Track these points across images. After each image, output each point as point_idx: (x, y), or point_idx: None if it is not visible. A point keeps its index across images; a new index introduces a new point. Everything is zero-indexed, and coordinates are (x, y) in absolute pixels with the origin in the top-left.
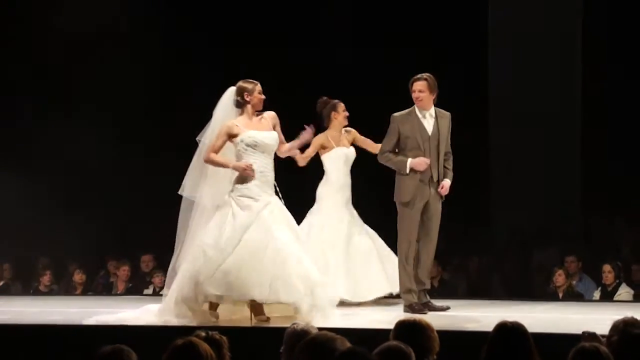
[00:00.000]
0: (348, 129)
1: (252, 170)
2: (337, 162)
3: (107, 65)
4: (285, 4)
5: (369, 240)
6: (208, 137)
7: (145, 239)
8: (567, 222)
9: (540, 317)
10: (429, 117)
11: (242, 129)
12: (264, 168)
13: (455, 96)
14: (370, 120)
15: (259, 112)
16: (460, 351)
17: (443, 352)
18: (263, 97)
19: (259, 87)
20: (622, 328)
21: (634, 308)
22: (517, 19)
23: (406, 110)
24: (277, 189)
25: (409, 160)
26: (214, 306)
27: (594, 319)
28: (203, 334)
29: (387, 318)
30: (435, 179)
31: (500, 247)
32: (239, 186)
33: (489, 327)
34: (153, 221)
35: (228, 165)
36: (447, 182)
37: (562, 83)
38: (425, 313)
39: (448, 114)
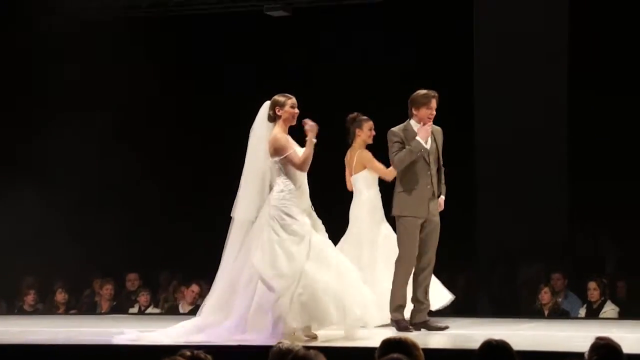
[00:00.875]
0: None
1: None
2: (368, 180)
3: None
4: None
5: None
6: (252, 154)
7: (131, 257)
8: (553, 239)
9: (525, 335)
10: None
11: (287, 145)
12: (302, 183)
13: (441, 114)
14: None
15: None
16: None
17: None
18: (297, 111)
19: (292, 100)
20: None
21: (619, 325)
22: (502, 38)
23: (402, 125)
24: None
25: (417, 138)
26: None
27: (579, 336)
28: (188, 353)
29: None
30: (435, 195)
31: (486, 265)
32: (278, 204)
33: (475, 344)
34: (140, 240)
35: (311, 143)
36: (442, 199)
37: (548, 100)
38: (410, 331)
39: (439, 128)
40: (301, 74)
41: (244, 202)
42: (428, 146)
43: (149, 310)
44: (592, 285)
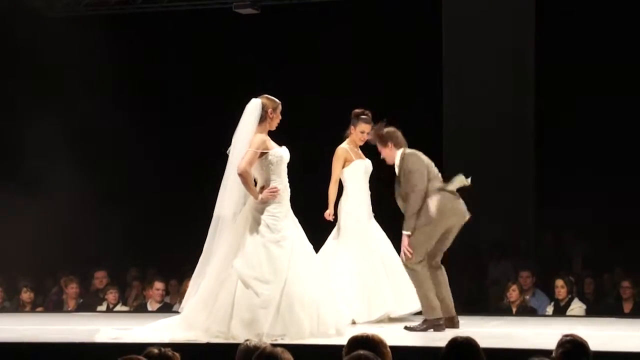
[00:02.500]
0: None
1: (278, 191)
2: (356, 176)
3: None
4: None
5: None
6: (238, 149)
7: (99, 255)
8: (521, 237)
9: (492, 332)
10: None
11: (272, 145)
12: (286, 185)
13: (410, 113)
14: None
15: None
16: None
17: None
18: (280, 117)
19: (280, 107)
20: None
21: (586, 323)
22: (470, 41)
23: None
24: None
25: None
26: None
27: (546, 333)
28: (156, 350)
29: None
30: None
31: (455, 263)
32: (263, 205)
33: (442, 342)
34: (108, 237)
35: (255, 192)
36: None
37: (515, 102)
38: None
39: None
40: (270, 72)
41: (226, 200)
42: None
43: (117, 308)
44: (559, 283)
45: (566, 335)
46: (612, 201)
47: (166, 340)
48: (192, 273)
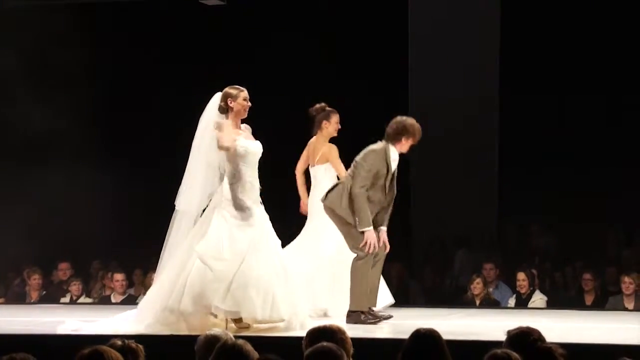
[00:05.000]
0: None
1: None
2: (330, 172)
3: None
4: None
5: None
6: (197, 143)
7: (64, 246)
8: (485, 230)
9: (456, 324)
10: (393, 161)
11: (238, 134)
12: (252, 178)
13: (376, 109)
14: None
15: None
16: (376, 359)
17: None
18: (248, 104)
19: (244, 93)
20: (523, 340)
21: (547, 315)
22: (436, 38)
23: (383, 149)
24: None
25: (369, 229)
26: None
27: (508, 325)
28: (119, 342)
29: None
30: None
31: (419, 255)
32: (230, 196)
33: (405, 334)
34: (72, 228)
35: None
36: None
37: (481, 96)
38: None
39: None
40: (236, 63)
41: (187, 193)
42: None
43: (81, 300)
44: (520, 276)
45: (514, 329)
46: (574, 194)
47: (123, 332)
48: (156, 265)
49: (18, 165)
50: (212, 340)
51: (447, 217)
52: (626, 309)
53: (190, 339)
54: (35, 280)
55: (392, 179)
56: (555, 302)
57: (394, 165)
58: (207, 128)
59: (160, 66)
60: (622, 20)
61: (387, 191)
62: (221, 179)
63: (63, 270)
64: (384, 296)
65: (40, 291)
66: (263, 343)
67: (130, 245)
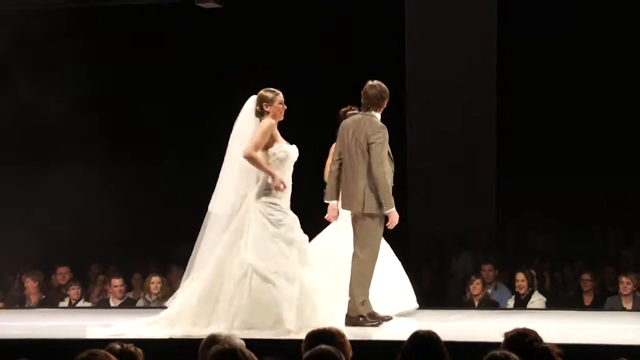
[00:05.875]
0: None
1: (285, 188)
2: None
3: None
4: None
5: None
6: (232, 146)
7: (62, 250)
8: (483, 231)
9: (454, 326)
10: None
11: (281, 139)
12: (287, 178)
13: None
14: None
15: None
16: None
17: None
18: (284, 107)
19: (280, 97)
20: (520, 341)
21: (546, 315)
22: (432, 44)
23: (358, 116)
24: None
25: (391, 210)
26: None
27: (507, 326)
28: (118, 346)
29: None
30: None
31: (417, 256)
32: (265, 200)
33: (405, 336)
34: (70, 233)
35: (269, 170)
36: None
37: (480, 97)
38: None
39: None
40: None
41: (222, 196)
42: None
43: (80, 304)
44: (519, 276)
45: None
46: (573, 195)
47: (164, 336)
48: (155, 268)
49: (17, 168)
50: (213, 341)
51: (446, 217)
52: (624, 309)
53: (190, 343)
54: (33, 284)
55: None
56: (554, 303)
57: None
58: (242, 131)
59: (151, 68)
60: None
61: (392, 159)
62: (256, 182)
63: (62, 274)
64: (409, 300)
65: (39, 295)
66: (263, 346)
67: (129, 249)
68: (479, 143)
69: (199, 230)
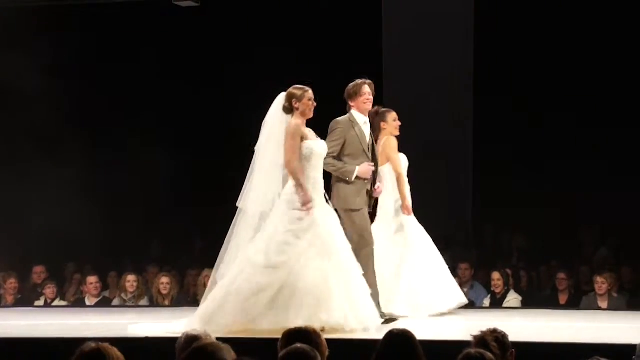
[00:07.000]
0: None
1: (310, 210)
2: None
3: None
4: None
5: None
6: (263, 144)
7: (39, 249)
8: (459, 230)
9: (430, 324)
10: (363, 124)
11: (308, 135)
12: (315, 180)
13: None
14: None
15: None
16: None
17: None
18: (314, 104)
19: (309, 93)
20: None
21: (522, 314)
22: (410, 47)
23: (346, 117)
24: (327, 197)
25: (357, 168)
26: None
27: (483, 325)
28: (93, 345)
29: None
30: (370, 187)
31: None
32: (290, 198)
33: (380, 334)
34: (49, 232)
35: (303, 184)
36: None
37: (456, 96)
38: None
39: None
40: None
41: (252, 193)
42: (367, 139)
43: (55, 302)
44: (495, 276)
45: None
46: (549, 195)
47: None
48: (132, 267)
49: None
50: (192, 340)
51: (422, 216)
52: (600, 308)
53: (164, 341)
54: (11, 284)
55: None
56: (530, 302)
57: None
58: (272, 129)
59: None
60: (605, 24)
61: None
62: (286, 179)
63: (38, 273)
64: (456, 295)
65: (15, 295)
66: (239, 344)
67: (104, 248)
68: (455, 142)
69: (174, 229)
